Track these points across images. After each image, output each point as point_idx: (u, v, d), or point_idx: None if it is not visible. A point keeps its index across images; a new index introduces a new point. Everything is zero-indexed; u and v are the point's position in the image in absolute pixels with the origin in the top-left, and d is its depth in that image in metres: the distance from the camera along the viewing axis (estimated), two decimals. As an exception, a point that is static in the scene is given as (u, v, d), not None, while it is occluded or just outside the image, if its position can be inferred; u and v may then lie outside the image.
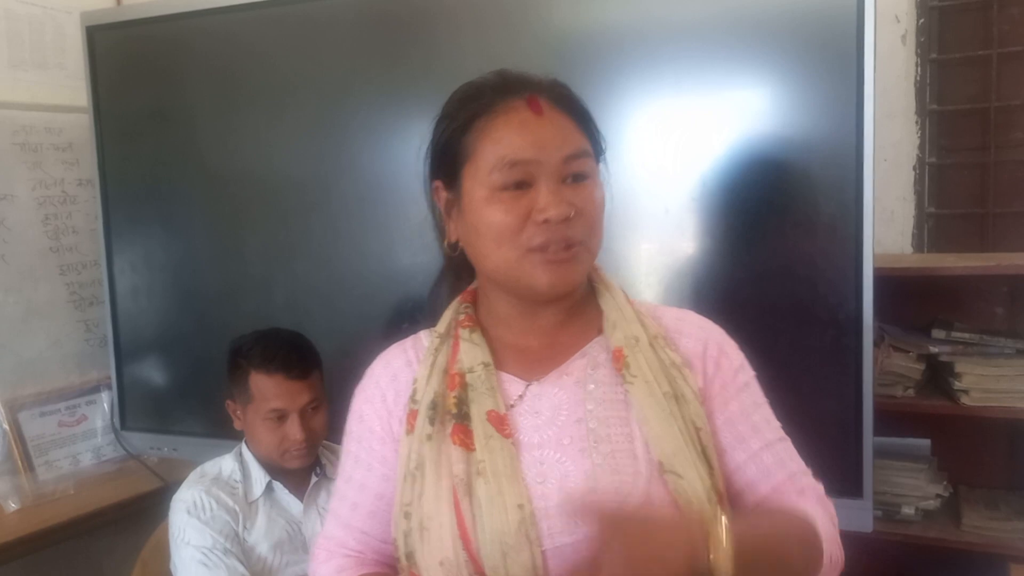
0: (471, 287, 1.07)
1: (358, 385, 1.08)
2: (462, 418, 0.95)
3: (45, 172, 2.33)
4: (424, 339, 1.06)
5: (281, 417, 1.55)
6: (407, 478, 0.96)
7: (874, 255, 1.51)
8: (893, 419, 1.83)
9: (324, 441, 1.72)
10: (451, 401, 0.96)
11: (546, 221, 0.91)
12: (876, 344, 1.57)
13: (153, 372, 2.25)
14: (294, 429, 1.54)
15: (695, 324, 1.03)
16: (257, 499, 1.60)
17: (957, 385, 1.86)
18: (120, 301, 2.25)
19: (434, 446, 0.95)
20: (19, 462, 2.18)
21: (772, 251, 1.60)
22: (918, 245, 2.17)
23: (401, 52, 1.86)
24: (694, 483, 0.90)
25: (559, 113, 0.95)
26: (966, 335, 1.89)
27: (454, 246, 1.01)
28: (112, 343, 2.27)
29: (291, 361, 1.55)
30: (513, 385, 0.98)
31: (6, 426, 2.17)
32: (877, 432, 1.54)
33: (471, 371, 0.98)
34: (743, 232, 1.61)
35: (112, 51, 2.18)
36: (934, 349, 1.90)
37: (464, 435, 0.94)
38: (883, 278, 1.54)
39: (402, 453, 0.99)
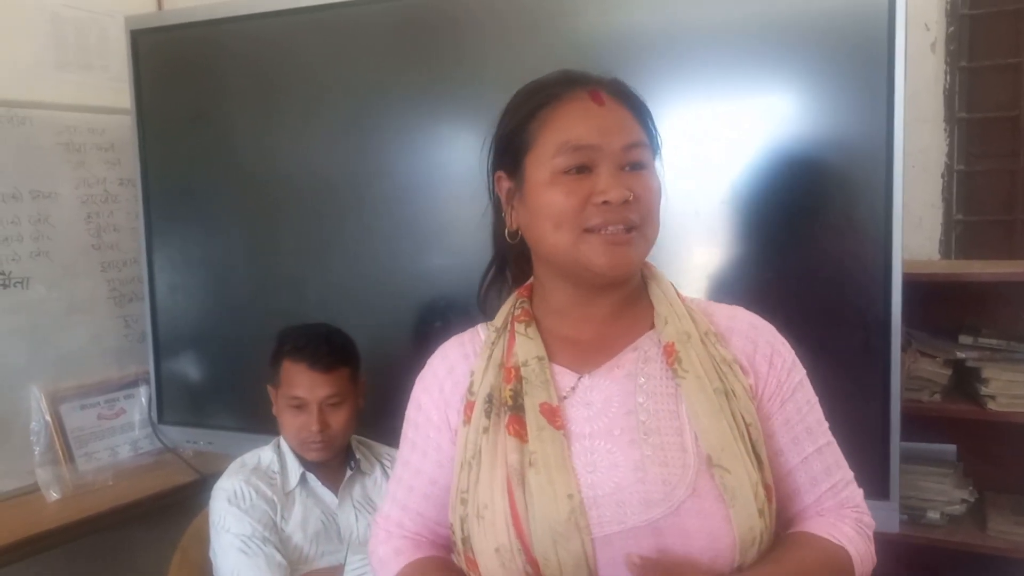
0: (528, 283, 1.10)
1: (419, 375, 1.12)
2: (517, 409, 0.98)
3: (88, 171, 2.39)
4: (481, 332, 1.10)
5: (301, 406, 1.60)
6: (463, 466, 1.00)
7: (902, 260, 1.52)
8: (919, 424, 1.84)
9: (360, 437, 1.76)
10: (507, 394, 0.99)
11: (605, 203, 0.94)
12: (903, 349, 1.58)
13: (190, 367, 2.29)
14: (311, 420, 1.59)
15: (746, 322, 1.05)
16: (293, 489, 1.64)
17: (984, 391, 1.86)
18: (159, 298, 2.30)
19: (490, 437, 0.98)
20: (60, 453, 2.24)
21: (801, 255, 1.62)
22: (946, 251, 2.18)
23: (432, 57, 1.89)
24: (741, 478, 0.92)
25: (619, 105, 1.00)
26: (993, 341, 1.89)
27: (514, 234, 1.04)
28: (151, 339, 2.32)
29: (318, 354, 1.59)
30: (566, 377, 1.01)
31: (48, 418, 2.23)
32: (903, 437, 1.55)
33: (525, 364, 1.00)
34: (772, 236, 1.63)
35: (154, 54, 2.24)
36: (961, 355, 1.91)
37: (519, 426, 0.97)
38: (911, 283, 1.54)
39: (459, 443, 1.02)
